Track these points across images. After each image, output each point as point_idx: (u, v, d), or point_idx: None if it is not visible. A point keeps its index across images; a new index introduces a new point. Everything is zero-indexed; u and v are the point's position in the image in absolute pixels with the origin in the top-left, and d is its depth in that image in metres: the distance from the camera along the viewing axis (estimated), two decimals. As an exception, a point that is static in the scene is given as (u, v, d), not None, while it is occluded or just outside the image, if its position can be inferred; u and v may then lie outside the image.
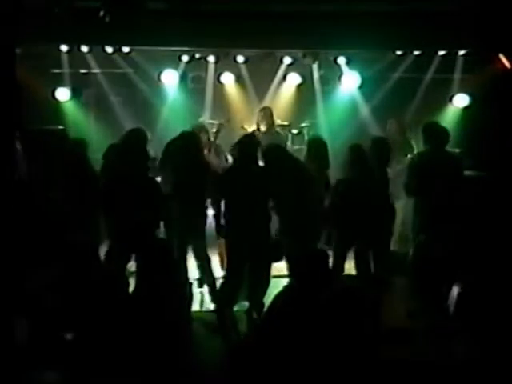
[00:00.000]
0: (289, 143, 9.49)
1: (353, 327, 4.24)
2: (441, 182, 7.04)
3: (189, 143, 7.07)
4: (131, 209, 6.47)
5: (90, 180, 6.99)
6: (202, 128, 8.22)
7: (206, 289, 7.15)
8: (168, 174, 7.10)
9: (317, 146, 7.26)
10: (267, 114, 9.09)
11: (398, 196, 7.53)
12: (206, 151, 7.79)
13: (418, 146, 8.51)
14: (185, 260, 6.98)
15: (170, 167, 7.09)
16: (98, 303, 4.88)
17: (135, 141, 6.96)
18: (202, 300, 7.18)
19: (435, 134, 7.24)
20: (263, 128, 8.96)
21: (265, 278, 6.67)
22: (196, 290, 7.09)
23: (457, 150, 8.23)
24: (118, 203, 6.54)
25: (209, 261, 7.13)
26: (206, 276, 7.11)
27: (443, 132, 7.29)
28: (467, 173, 7.50)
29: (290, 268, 6.67)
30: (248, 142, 6.82)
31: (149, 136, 7.38)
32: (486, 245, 6.27)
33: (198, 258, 7.09)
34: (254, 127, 9.10)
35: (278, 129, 9.19)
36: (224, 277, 6.78)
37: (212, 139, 8.48)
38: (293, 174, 6.79)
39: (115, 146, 7.28)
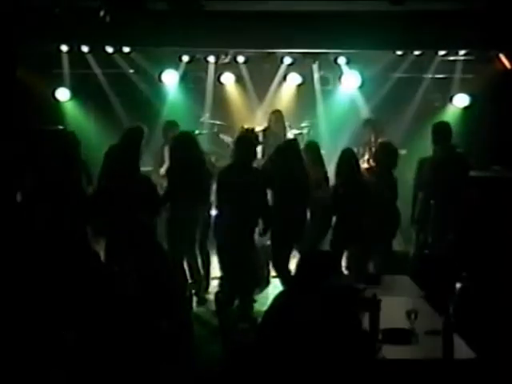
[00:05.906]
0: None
1: (352, 327, 4.25)
2: (444, 182, 7.05)
3: (185, 143, 7.10)
4: (127, 208, 6.46)
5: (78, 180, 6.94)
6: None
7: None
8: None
9: (311, 152, 7.32)
10: (279, 118, 9.13)
11: None
12: None
13: (418, 145, 8.56)
14: (182, 261, 7.03)
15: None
16: (98, 302, 4.88)
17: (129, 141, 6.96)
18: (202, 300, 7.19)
19: (443, 134, 7.27)
20: (275, 130, 8.98)
21: (256, 275, 6.74)
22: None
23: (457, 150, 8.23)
24: (114, 202, 6.54)
25: (208, 261, 7.21)
26: (203, 275, 7.18)
27: (449, 131, 7.31)
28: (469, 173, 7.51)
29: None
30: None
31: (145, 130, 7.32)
32: (487, 245, 6.28)
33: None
34: (261, 128, 9.12)
35: (289, 133, 9.19)
36: (222, 277, 6.79)
37: None
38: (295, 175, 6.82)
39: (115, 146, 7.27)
